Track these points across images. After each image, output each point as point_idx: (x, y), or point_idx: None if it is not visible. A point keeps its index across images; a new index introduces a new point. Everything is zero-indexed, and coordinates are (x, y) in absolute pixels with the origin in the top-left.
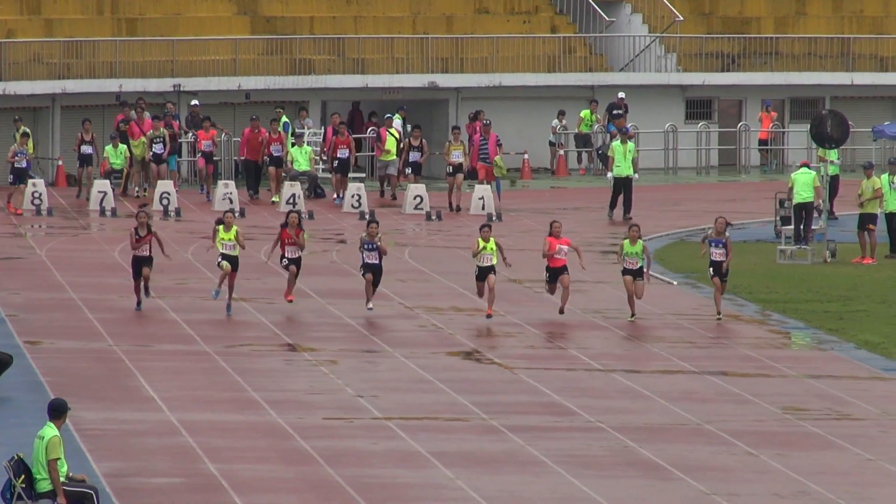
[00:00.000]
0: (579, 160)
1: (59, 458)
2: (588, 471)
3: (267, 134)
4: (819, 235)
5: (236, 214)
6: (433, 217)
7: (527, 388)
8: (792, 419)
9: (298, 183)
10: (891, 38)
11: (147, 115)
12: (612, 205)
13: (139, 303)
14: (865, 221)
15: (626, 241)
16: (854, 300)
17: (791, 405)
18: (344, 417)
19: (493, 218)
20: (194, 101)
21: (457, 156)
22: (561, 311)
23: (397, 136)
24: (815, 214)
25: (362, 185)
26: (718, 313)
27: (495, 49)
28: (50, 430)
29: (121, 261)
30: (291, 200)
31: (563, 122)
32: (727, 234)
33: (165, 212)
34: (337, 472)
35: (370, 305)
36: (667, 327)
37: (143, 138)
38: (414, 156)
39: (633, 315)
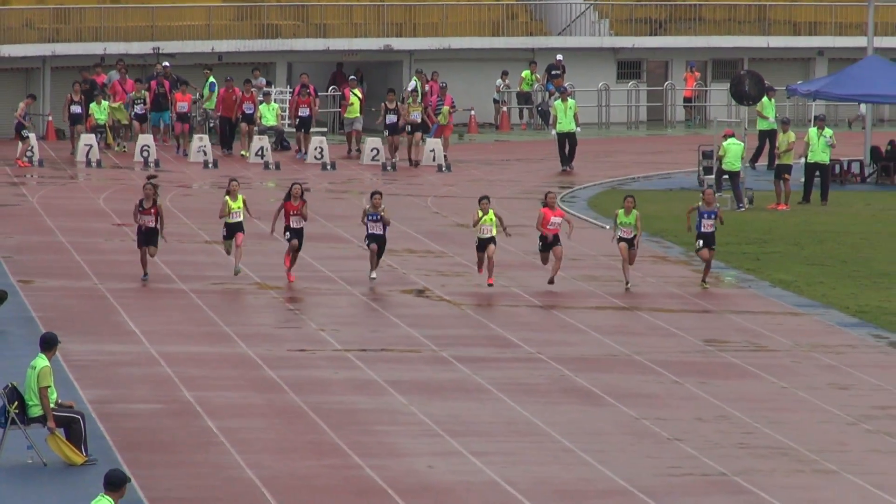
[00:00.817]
0: (521, 116)
1: (49, 386)
2: (528, 397)
3: (240, 93)
4: (741, 183)
5: (209, 165)
6: (388, 168)
7: (473, 323)
8: (713, 351)
9: (266, 137)
10: (803, 5)
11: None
12: (562, 159)
13: (145, 274)
14: (781, 171)
15: (621, 211)
16: (769, 243)
17: (712, 338)
18: (307, 349)
19: (443, 168)
20: (165, 63)
21: (416, 116)
22: (550, 282)
23: (360, 95)
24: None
25: (324, 138)
26: (704, 281)
27: (445, 15)
28: (41, 361)
29: (105, 208)
30: (260, 153)
31: (507, 81)
32: (717, 204)
33: (145, 163)
34: (301, 399)
35: (373, 275)
36: (600, 267)
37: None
38: (391, 118)
39: (627, 283)
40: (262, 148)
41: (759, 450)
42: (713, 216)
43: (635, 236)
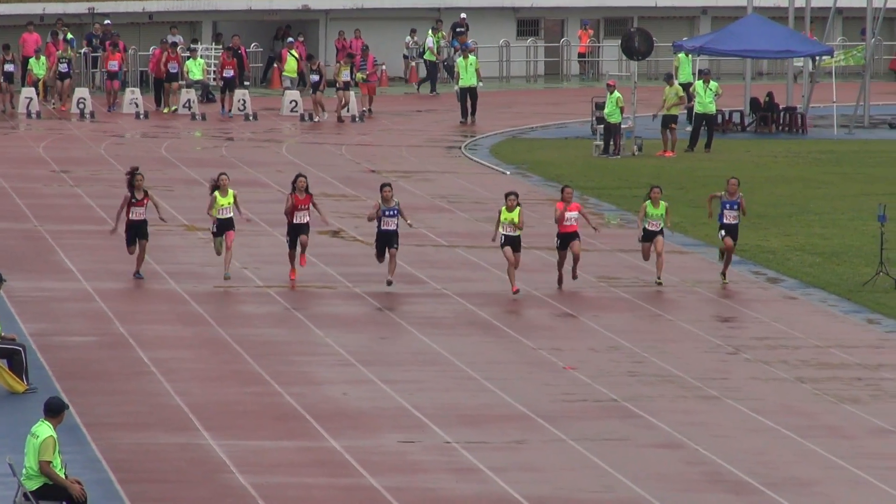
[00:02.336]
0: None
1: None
2: (435, 329)
3: (167, 53)
4: (629, 133)
5: (141, 116)
6: (306, 119)
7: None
8: (606, 286)
9: (193, 90)
10: None
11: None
12: (463, 112)
13: (138, 271)
14: (668, 122)
15: (649, 203)
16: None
17: (605, 275)
18: (231, 286)
19: (356, 119)
20: (107, 21)
21: (346, 75)
22: (574, 277)
23: (297, 56)
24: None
25: (247, 91)
26: (724, 275)
27: None
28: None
29: (45, 156)
30: (187, 104)
31: (415, 38)
32: (740, 193)
33: (81, 115)
34: (225, 332)
35: (390, 280)
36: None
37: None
38: (314, 77)
39: (659, 279)
40: (189, 100)
41: (647, 377)
42: (736, 206)
43: (662, 229)
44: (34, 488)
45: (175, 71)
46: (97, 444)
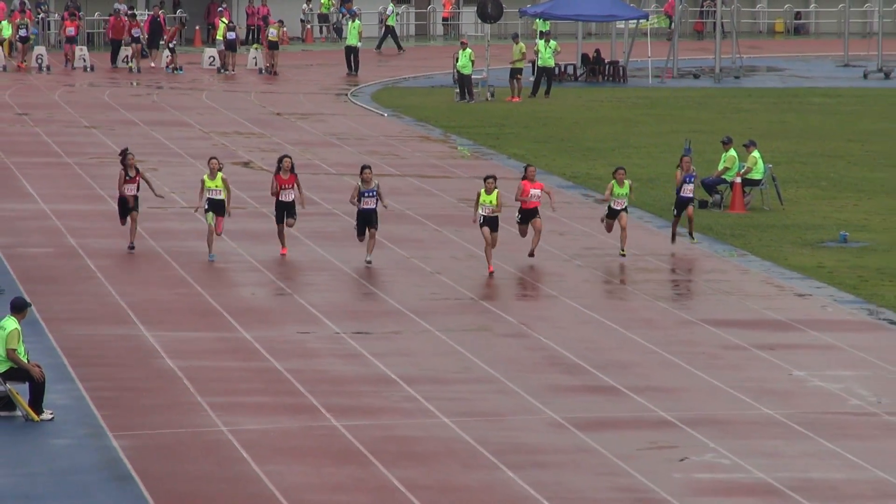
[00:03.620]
0: (321, 31)
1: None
2: (327, 242)
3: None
4: (483, 82)
5: (88, 69)
6: (222, 71)
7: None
8: (464, 207)
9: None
10: None
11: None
12: (348, 66)
13: (131, 244)
14: (514, 73)
15: (614, 183)
16: (506, 126)
17: (464, 197)
18: (161, 206)
19: (262, 72)
20: None
21: (272, 32)
22: (531, 254)
23: (227, 22)
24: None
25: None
26: (691, 235)
27: None
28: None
29: (10, 101)
30: (125, 60)
31: (310, 5)
32: (693, 168)
33: (39, 68)
34: (157, 244)
35: (369, 258)
36: (380, 145)
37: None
38: (231, 35)
39: (623, 251)
40: (126, 56)
41: (499, 280)
42: (691, 179)
43: (626, 207)
44: (2, 371)
45: (138, 34)
46: (53, 335)
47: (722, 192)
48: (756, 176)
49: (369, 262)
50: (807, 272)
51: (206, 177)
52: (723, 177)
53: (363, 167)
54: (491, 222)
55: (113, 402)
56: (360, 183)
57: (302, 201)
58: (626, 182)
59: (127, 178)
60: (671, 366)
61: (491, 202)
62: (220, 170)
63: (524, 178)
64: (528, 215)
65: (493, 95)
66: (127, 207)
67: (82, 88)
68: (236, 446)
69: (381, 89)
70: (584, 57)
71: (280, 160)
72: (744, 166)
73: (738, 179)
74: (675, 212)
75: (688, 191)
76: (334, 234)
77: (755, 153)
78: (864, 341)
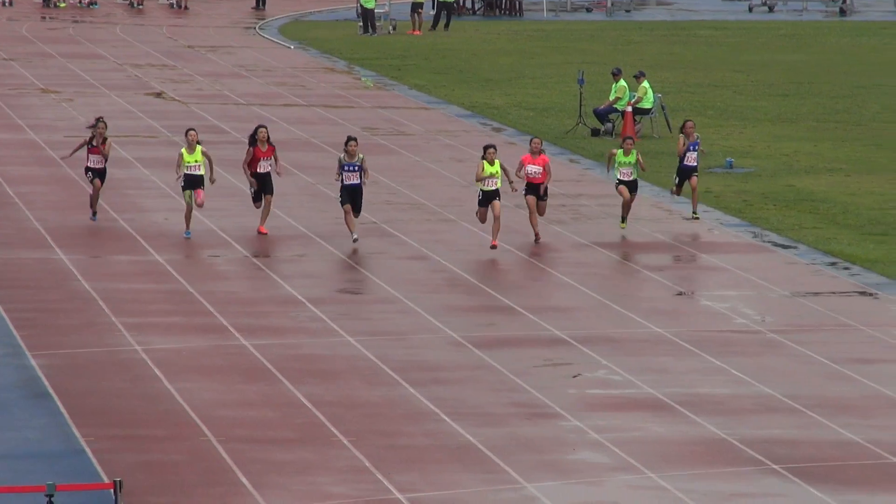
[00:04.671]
0: None
1: None
2: (234, 168)
3: None
4: (385, 16)
5: (6, 4)
6: (135, 5)
7: (196, 115)
8: (368, 135)
9: None
10: None
11: None
12: (256, 1)
13: (94, 213)
14: (416, 7)
15: (620, 152)
16: (408, 58)
17: (367, 126)
18: (77, 134)
19: (173, 6)
20: None
21: None
22: (536, 239)
23: None
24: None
25: None
26: (694, 212)
27: None
28: None
29: None
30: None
31: None
32: (697, 135)
33: None
34: (73, 172)
35: (355, 236)
36: (287, 76)
37: None
38: None
39: (624, 221)
40: None
41: (400, 205)
42: (695, 147)
43: (635, 179)
44: None
45: None
46: None
47: (613, 121)
48: (646, 105)
49: (355, 240)
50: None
51: (184, 150)
52: (614, 106)
53: (348, 139)
54: (491, 195)
55: (31, 323)
56: (343, 155)
57: (279, 171)
58: (634, 152)
59: (90, 146)
60: (565, 286)
61: (497, 173)
62: (198, 142)
63: (530, 151)
64: (533, 188)
65: (394, 29)
66: (94, 175)
67: (1, 22)
68: (149, 365)
69: (287, 23)
70: None
71: (255, 131)
72: (634, 96)
73: (629, 108)
74: (677, 180)
75: (691, 159)
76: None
77: (645, 83)
78: (749, 262)
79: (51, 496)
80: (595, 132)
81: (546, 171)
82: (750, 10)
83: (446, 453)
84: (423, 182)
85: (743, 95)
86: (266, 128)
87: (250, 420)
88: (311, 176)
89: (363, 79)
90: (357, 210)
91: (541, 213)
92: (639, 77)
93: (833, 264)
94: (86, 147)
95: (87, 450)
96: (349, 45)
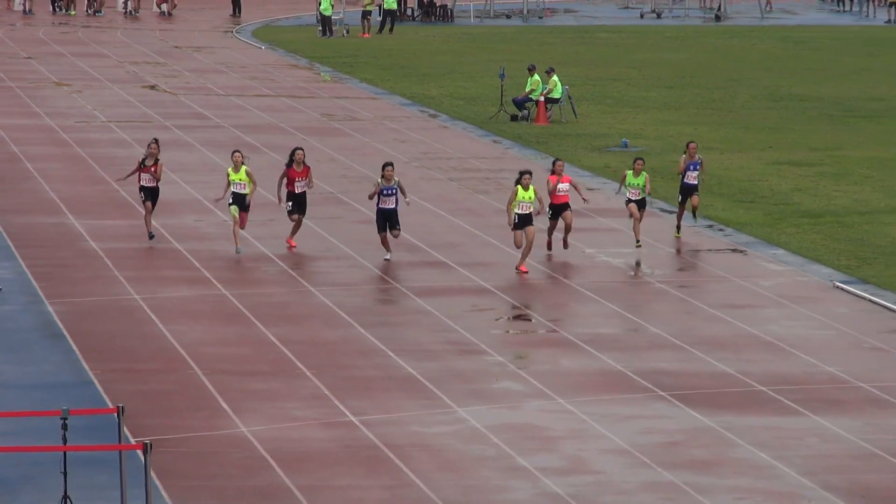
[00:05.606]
0: None
1: None
2: (170, 122)
3: None
4: (340, 21)
5: (27, 12)
6: (132, 13)
7: (184, 104)
8: (327, 120)
9: None
10: None
11: None
12: (233, 9)
13: (150, 234)
14: (365, 14)
15: (630, 173)
16: (359, 56)
17: (326, 112)
18: (85, 120)
19: (163, 14)
20: None
21: None
22: (565, 246)
23: None
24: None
25: None
26: (678, 231)
27: None
28: None
29: None
30: (59, 5)
31: None
32: (699, 156)
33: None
34: (83, 151)
35: (387, 256)
36: (259, 71)
37: None
38: None
39: (638, 242)
40: (56, 3)
41: (353, 178)
42: (697, 167)
43: (643, 199)
44: None
45: None
46: (0, 224)
47: (529, 109)
48: (556, 95)
49: (387, 259)
50: (596, 171)
51: (230, 170)
52: (529, 97)
53: (385, 164)
54: (526, 219)
55: (48, 276)
56: (380, 179)
57: (310, 185)
58: (643, 173)
59: (143, 166)
60: (489, 245)
61: (529, 198)
62: (243, 163)
63: (552, 172)
64: (558, 210)
65: (348, 32)
66: (147, 195)
67: (20, 28)
68: (146, 311)
69: (259, 27)
70: (420, 1)
71: (292, 153)
72: (546, 88)
73: (542, 98)
74: (680, 198)
75: (691, 178)
76: (222, 142)
77: (555, 77)
78: (642, 226)
79: (65, 419)
80: (514, 118)
81: (575, 186)
82: (641, 16)
83: (392, 383)
84: (371, 159)
85: (635, 87)
86: (303, 150)
87: (230, 356)
88: (279, 154)
89: (322, 73)
90: (393, 227)
91: (568, 222)
92: (549, 72)
93: (710, 226)
94: (139, 167)
95: (95, 381)
96: (310, 45)
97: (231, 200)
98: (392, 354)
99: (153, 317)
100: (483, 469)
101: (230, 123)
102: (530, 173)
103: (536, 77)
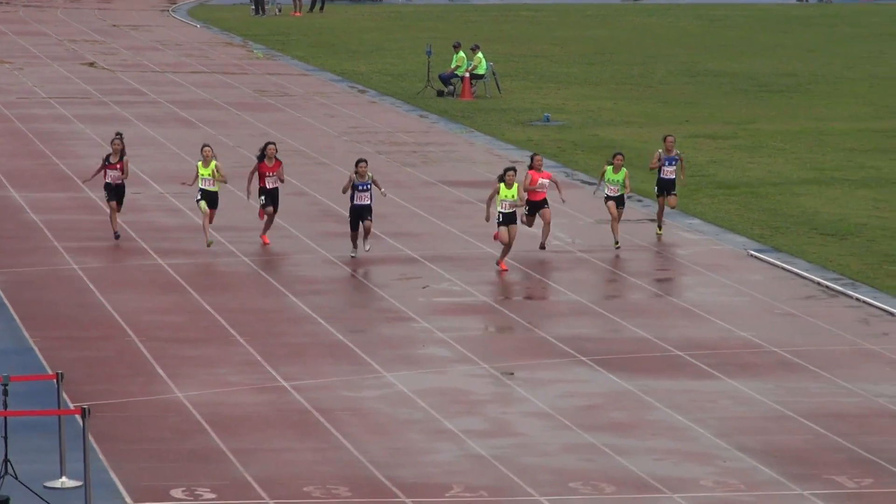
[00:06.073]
0: None
1: None
2: (151, 123)
3: None
4: (273, 0)
5: None
6: None
7: (122, 81)
8: (260, 96)
9: None
10: None
11: None
12: None
13: (116, 234)
14: None
15: (610, 168)
16: (291, 34)
17: (259, 89)
18: (26, 96)
19: None
20: None
21: None
22: (542, 247)
23: None
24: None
25: None
26: (660, 228)
27: None
28: None
29: None
30: None
31: None
32: (677, 151)
33: None
34: (21, 125)
35: (366, 247)
36: (194, 49)
37: None
38: None
39: (617, 243)
40: None
41: (285, 152)
42: (675, 162)
43: (622, 195)
44: None
45: None
46: None
47: (455, 85)
48: (480, 71)
49: (367, 250)
50: (519, 144)
51: (199, 164)
52: (455, 73)
53: (358, 161)
54: (511, 218)
55: None
56: (354, 175)
57: (281, 180)
58: (623, 169)
59: (108, 163)
60: (416, 216)
61: (512, 196)
62: (213, 158)
63: (531, 167)
64: (535, 206)
65: (280, 11)
66: (112, 194)
67: None
68: (85, 280)
69: (195, 6)
70: None
71: (264, 147)
72: (471, 64)
73: (467, 74)
74: (657, 192)
75: (668, 173)
76: (158, 117)
77: (479, 54)
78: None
79: (5, 385)
80: (440, 93)
81: (556, 182)
82: None
83: (322, 349)
84: (303, 133)
85: (558, 63)
86: (275, 144)
87: (166, 324)
88: (213, 128)
89: (255, 51)
90: (364, 219)
91: (547, 219)
92: (475, 49)
93: (629, 197)
94: (104, 165)
95: (35, 348)
96: (244, 23)
97: (199, 196)
98: (322, 322)
99: (92, 286)
100: (410, 432)
101: (166, 99)
102: (514, 170)
103: (462, 54)
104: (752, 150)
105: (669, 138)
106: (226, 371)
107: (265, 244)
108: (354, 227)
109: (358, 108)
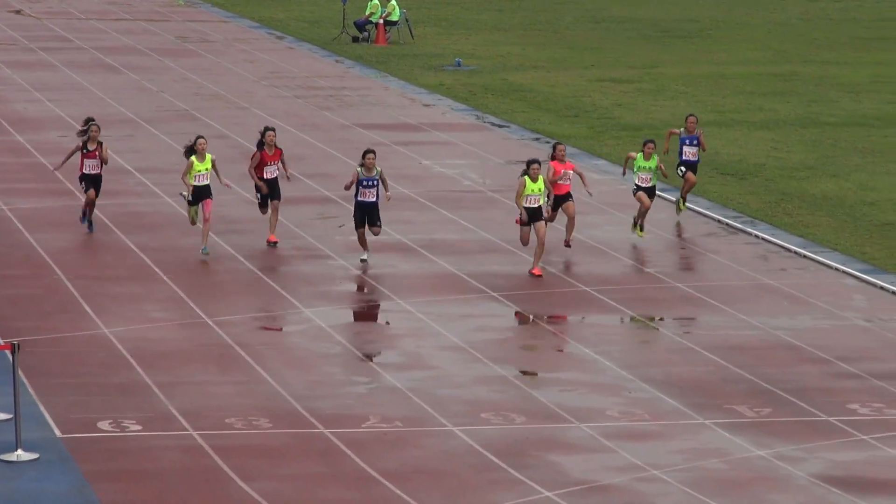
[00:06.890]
0: None
1: None
2: (80, 69)
3: None
4: None
5: None
6: None
7: (48, 28)
8: (181, 42)
9: None
10: None
11: None
12: None
13: (90, 224)
14: None
15: (640, 155)
16: None
17: (180, 35)
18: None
19: None
20: None
21: None
22: (567, 244)
23: None
24: None
25: None
26: (684, 201)
27: None
28: None
29: None
30: None
31: None
32: (700, 129)
33: None
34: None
35: (364, 256)
36: (117, 3)
37: None
38: None
39: (643, 229)
40: None
41: (206, 96)
42: (695, 142)
43: (654, 185)
44: None
45: None
46: None
47: (369, 31)
48: (394, 18)
49: (364, 261)
50: (431, 88)
51: (194, 158)
52: (369, 19)
53: (366, 151)
54: (537, 214)
55: None
56: (360, 169)
57: (287, 176)
58: (655, 156)
59: (85, 151)
60: (332, 158)
61: (539, 190)
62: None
63: (553, 157)
64: (559, 200)
65: None
66: (89, 183)
67: None
68: (13, 220)
69: None
70: None
71: (263, 134)
72: (385, 11)
73: (381, 21)
74: (681, 172)
75: (690, 154)
76: (83, 63)
77: (393, 1)
78: (474, 139)
79: None
80: (355, 39)
81: (580, 174)
82: None
83: (243, 286)
84: (223, 78)
85: (468, 10)
86: (274, 130)
87: (92, 262)
88: (139, 74)
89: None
90: (373, 224)
91: (571, 214)
92: None
93: (537, 139)
94: (80, 153)
95: None
96: None
97: (192, 199)
98: (243, 259)
99: (20, 226)
100: (328, 365)
101: (91, 46)
102: (538, 163)
103: (376, 1)
104: (655, 94)
105: (691, 118)
106: (150, 308)
107: (273, 242)
108: (360, 225)
109: (276, 53)
